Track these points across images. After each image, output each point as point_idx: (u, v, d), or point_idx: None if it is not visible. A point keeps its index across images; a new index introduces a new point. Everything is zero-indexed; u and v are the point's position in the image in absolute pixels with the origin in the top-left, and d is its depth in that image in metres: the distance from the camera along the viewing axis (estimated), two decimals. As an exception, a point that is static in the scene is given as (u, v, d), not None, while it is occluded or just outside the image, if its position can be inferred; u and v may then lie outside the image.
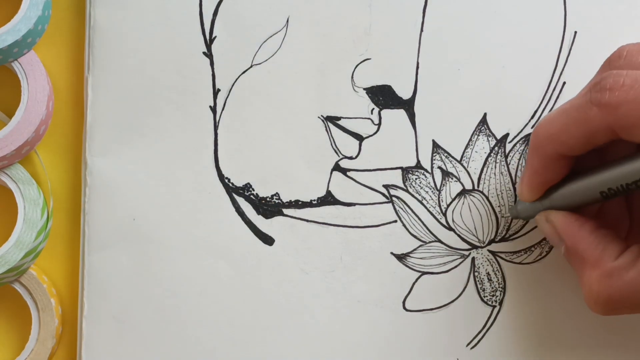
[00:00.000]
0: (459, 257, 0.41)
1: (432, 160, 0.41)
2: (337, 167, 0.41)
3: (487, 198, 0.41)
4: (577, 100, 0.34)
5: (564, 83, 0.41)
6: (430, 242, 0.41)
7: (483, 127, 0.41)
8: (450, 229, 0.41)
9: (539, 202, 0.37)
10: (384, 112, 0.41)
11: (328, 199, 0.41)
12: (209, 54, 0.42)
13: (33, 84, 0.41)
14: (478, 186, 0.41)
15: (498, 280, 0.41)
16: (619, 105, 0.32)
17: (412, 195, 0.41)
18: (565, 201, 0.36)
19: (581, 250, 0.35)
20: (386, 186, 0.41)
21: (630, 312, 0.34)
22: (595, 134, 0.33)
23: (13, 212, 0.41)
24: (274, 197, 0.41)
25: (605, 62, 0.35)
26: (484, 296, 0.41)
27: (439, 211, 0.41)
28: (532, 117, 0.41)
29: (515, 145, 0.41)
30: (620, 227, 0.37)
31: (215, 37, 0.42)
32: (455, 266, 0.41)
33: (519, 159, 0.41)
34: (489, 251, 0.41)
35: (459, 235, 0.41)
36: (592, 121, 0.33)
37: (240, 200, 0.41)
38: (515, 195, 0.41)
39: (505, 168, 0.41)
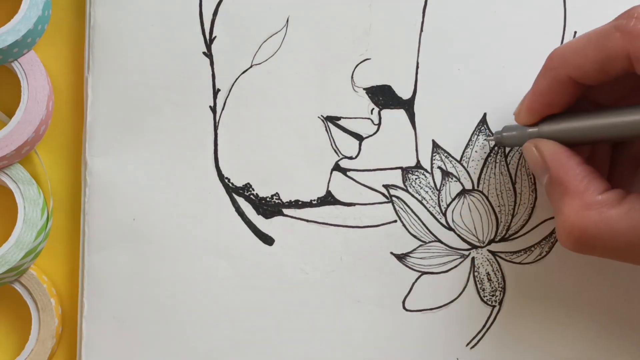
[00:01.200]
0: (459, 257, 0.41)
1: (432, 160, 0.41)
2: (337, 167, 0.41)
3: (487, 198, 0.41)
4: (602, 27, 0.33)
5: (564, 83, 0.41)
6: (430, 242, 0.41)
7: (483, 127, 0.41)
8: (450, 229, 0.41)
9: (527, 130, 0.37)
10: (384, 112, 0.41)
11: (328, 199, 0.41)
12: (209, 54, 0.42)
13: (33, 84, 0.41)
14: (478, 186, 0.41)
15: (498, 280, 0.41)
16: None
17: (412, 195, 0.41)
18: (558, 134, 0.35)
19: (566, 180, 0.34)
20: (386, 186, 0.41)
21: (599, 254, 0.33)
22: (612, 60, 0.33)
23: (13, 212, 0.41)
24: (274, 197, 0.41)
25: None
26: (484, 296, 0.41)
27: (439, 211, 0.41)
28: (532, 117, 0.41)
29: (515, 145, 0.41)
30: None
31: (215, 37, 0.42)
32: (455, 266, 0.41)
33: (519, 159, 0.41)
34: (489, 251, 0.41)
35: (458, 235, 0.41)
36: (611, 47, 0.32)
37: (240, 200, 0.41)
38: (515, 196, 0.41)
39: (505, 168, 0.41)
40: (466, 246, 0.41)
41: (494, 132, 0.40)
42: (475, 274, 0.41)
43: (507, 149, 0.41)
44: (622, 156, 0.38)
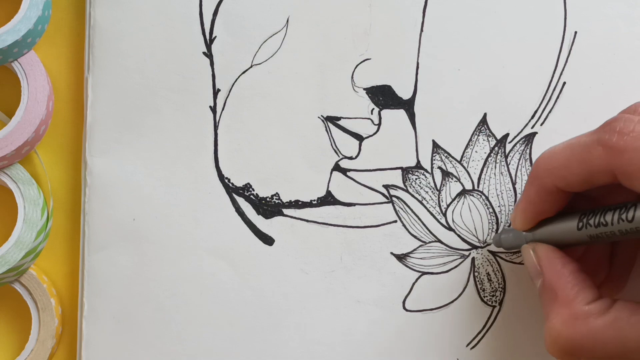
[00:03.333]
0: (459, 257, 0.41)
1: (432, 160, 0.41)
2: (337, 167, 0.41)
3: (487, 198, 0.41)
4: (584, 137, 0.33)
5: (564, 83, 0.41)
6: (430, 242, 0.41)
7: (483, 127, 0.41)
8: (450, 229, 0.41)
9: (524, 234, 0.37)
10: (384, 112, 0.41)
11: (328, 199, 0.41)
12: (209, 54, 0.42)
13: (33, 84, 0.41)
14: (478, 186, 0.41)
15: (498, 280, 0.41)
16: (625, 150, 0.31)
17: (412, 195, 0.41)
18: (553, 237, 0.36)
19: (557, 287, 0.34)
20: (386, 186, 0.41)
21: None
22: (596, 174, 0.33)
23: (13, 212, 0.41)
24: (274, 197, 0.41)
25: (620, 111, 0.34)
26: (484, 296, 0.41)
27: (439, 211, 0.41)
28: (532, 117, 0.41)
29: (515, 145, 0.41)
30: (598, 276, 0.37)
31: (215, 37, 0.42)
32: (455, 266, 0.41)
33: (519, 159, 0.41)
34: (489, 251, 0.41)
35: (459, 236, 0.41)
36: (595, 161, 0.32)
37: (240, 200, 0.41)
38: (515, 196, 0.41)
39: (505, 168, 0.41)
40: (466, 246, 0.41)
41: (492, 238, 0.41)
42: (476, 274, 0.41)
43: (508, 149, 0.41)
44: (620, 252, 0.38)
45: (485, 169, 0.41)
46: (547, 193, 0.35)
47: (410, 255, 0.41)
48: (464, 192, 0.41)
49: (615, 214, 0.33)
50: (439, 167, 0.41)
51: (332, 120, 0.41)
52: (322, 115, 0.41)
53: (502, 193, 0.41)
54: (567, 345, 0.33)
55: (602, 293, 0.34)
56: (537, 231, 0.37)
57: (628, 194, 0.33)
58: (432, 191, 0.41)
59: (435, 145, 0.41)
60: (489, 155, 0.41)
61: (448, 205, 0.41)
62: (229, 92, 0.42)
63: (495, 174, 0.41)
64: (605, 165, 0.32)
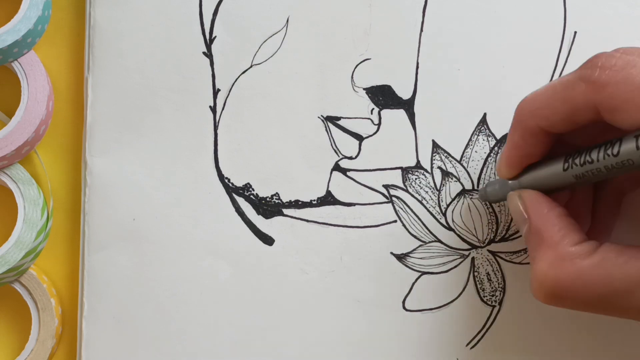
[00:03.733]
0: (459, 257, 0.41)
1: (432, 160, 0.41)
2: (337, 167, 0.41)
3: (487, 198, 0.41)
4: (567, 76, 0.33)
5: (564, 83, 0.41)
6: (430, 242, 0.41)
7: (483, 127, 0.41)
8: (450, 229, 0.41)
9: (510, 183, 0.37)
10: (384, 112, 0.41)
11: (328, 199, 0.41)
12: (209, 54, 0.42)
13: (33, 84, 0.41)
14: (478, 186, 0.41)
15: (498, 280, 0.41)
16: (607, 84, 0.31)
17: (412, 195, 0.41)
18: (538, 182, 0.36)
19: (543, 230, 0.34)
20: (386, 186, 0.41)
21: (571, 306, 0.33)
22: (579, 111, 0.33)
23: (13, 212, 0.41)
24: (274, 197, 0.41)
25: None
26: (484, 296, 0.41)
27: (439, 211, 0.41)
28: (532, 117, 0.41)
29: (515, 145, 0.41)
30: (582, 225, 0.37)
31: (215, 37, 0.42)
32: (455, 266, 0.41)
33: (519, 159, 0.41)
34: (489, 251, 0.41)
35: (458, 235, 0.41)
36: (577, 98, 0.32)
37: (240, 200, 0.41)
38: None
39: (505, 168, 0.41)
40: (466, 246, 0.41)
41: (478, 190, 0.41)
42: (475, 274, 0.41)
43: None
44: (604, 195, 0.38)
45: (485, 169, 0.41)
46: (531, 135, 0.35)
47: (410, 255, 0.41)
48: (463, 192, 0.41)
49: (600, 151, 0.32)
50: (439, 167, 0.41)
51: (332, 120, 0.41)
52: (322, 115, 0.41)
53: (502, 193, 0.41)
54: (553, 287, 0.33)
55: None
56: (523, 178, 0.36)
57: (612, 136, 0.33)
58: (432, 191, 0.41)
59: (435, 145, 0.41)
60: (488, 155, 0.41)
61: (448, 205, 0.41)
62: (229, 92, 0.42)
63: (495, 173, 0.41)
64: (588, 100, 0.32)
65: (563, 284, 0.33)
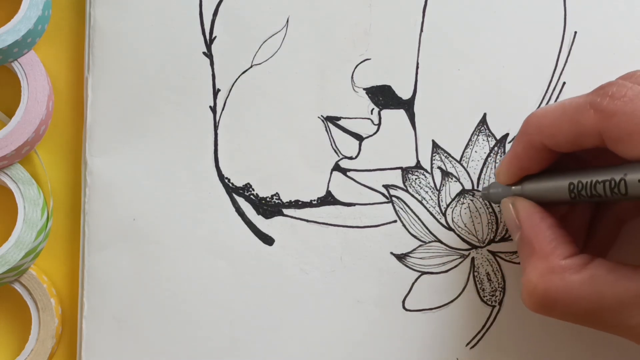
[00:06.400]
0: (459, 257, 0.41)
1: (431, 160, 0.41)
2: (337, 167, 0.41)
3: (487, 198, 0.41)
4: (577, 99, 0.34)
5: (564, 83, 0.41)
6: (430, 242, 0.41)
7: (483, 127, 0.41)
8: (450, 229, 0.41)
9: (511, 188, 0.37)
10: (384, 112, 0.41)
11: (328, 199, 0.41)
12: (209, 54, 0.42)
13: (33, 84, 0.41)
14: (478, 186, 0.41)
15: (498, 280, 0.41)
16: (614, 114, 0.31)
17: (412, 195, 0.41)
18: (536, 193, 0.36)
19: (534, 241, 0.34)
20: (386, 186, 0.41)
21: (560, 317, 0.34)
22: (585, 136, 0.33)
23: (13, 212, 0.41)
24: (274, 197, 0.41)
25: (618, 77, 0.34)
26: (484, 296, 0.41)
27: (439, 211, 0.41)
28: (532, 117, 0.41)
29: (515, 145, 0.41)
30: (576, 240, 0.37)
31: (215, 37, 0.42)
32: (455, 266, 0.41)
33: (519, 159, 0.41)
34: (489, 251, 0.41)
35: (458, 235, 0.41)
36: (584, 122, 0.33)
37: (240, 200, 0.41)
38: (515, 195, 0.41)
39: (505, 168, 0.41)
40: (466, 246, 0.41)
41: (481, 188, 0.41)
42: (475, 274, 0.41)
43: (507, 149, 0.41)
44: (605, 215, 0.38)
45: (485, 169, 0.41)
46: (534, 150, 0.35)
47: (410, 255, 0.41)
48: (463, 192, 0.41)
49: (606, 186, 0.33)
50: (439, 167, 0.41)
51: (332, 120, 0.41)
52: (322, 115, 0.41)
53: (502, 193, 0.41)
54: (543, 298, 0.33)
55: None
56: (524, 186, 0.37)
57: (614, 157, 0.33)
58: (432, 191, 0.41)
59: (435, 145, 0.41)
60: (488, 155, 0.41)
61: (448, 205, 0.41)
62: (229, 92, 0.42)
63: (495, 174, 0.41)
64: (594, 127, 0.32)
65: (552, 296, 0.33)
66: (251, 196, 0.41)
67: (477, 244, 0.41)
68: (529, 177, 0.37)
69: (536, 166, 0.36)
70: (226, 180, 0.41)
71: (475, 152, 0.41)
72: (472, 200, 0.41)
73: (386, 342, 0.41)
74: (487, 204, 0.41)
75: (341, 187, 0.41)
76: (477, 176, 0.41)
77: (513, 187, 0.37)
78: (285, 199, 0.41)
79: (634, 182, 0.31)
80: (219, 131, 0.41)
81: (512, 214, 0.36)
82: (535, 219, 0.35)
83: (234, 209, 0.41)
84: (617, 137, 0.31)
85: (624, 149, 0.31)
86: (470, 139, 0.41)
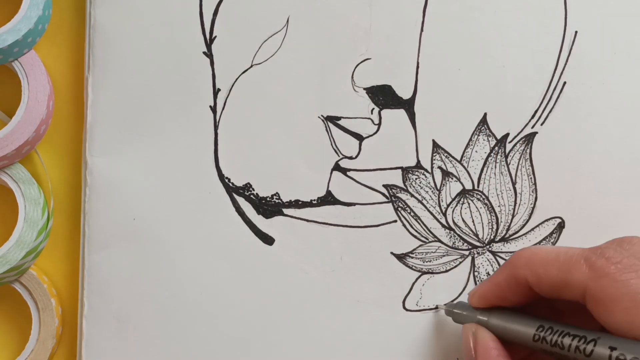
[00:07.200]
0: (459, 257, 0.41)
1: (432, 160, 0.41)
2: (337, 167, 0.41)
3: (487, 198, 0.41)
4: (574, 249, 0.34)
5: (564, 83, 0.41)
6: (430, 242, 0.41)
7: (483, 127, 0.41)
8: (450, 229, 0.41)
9: (476, 315, 0.37)
10: (384, 112, 0.41)
11: (328, 199, 0.41)
12: (209, 54, 0.42)
13: (33, 84, 0.41)
14: (478, 186, 0.41)
15: (498, 280, 0.41)
16: (605, 275, 0.31)
17: (412, 195, 0.41)
18: (501, 327, 0.36)
19: None
20: (386, 186, 0.41)
21: None
22: (569, 287, 0.33)
23: (14, 211, 0.41)
24: (274, 197, 0.41)
25: (617, 238, 0.34)
26: (484, 296, 0.41)
27: (439, 211, 0.41)
28: (532, 117, 0.41)
29: (515, 145, 0.41)
30: None
31: (216, 37, 0.42)
32: (455, 266, 0.41)
33: (519, 159, 0.41)
34: (489, 251, 0.41)
35: (459, 235, 0.41)
36: (574, 274, 0.33)
37: (241, 200, 0.41)
38: (515, 195, 0.41)
39: (505, 168, 0.41)
40: (466, 246, 0.41)
41: (445, 304, 0.40)
42: (475, 273, 0.41)
43: (508, 149, 0.41)
44: None
45: (485, 169, 0.41)
46: (516, 284, 0.35)
47: (410, 255, 0.41)
48: (464, 192, 0.41)
49: (573, 341, 0.33)
50: (439, 167, 0.41)
51: (332, 120, 0.41)
52: (322, 115, 0.41)
53: (502, 193, 0.41)
54: None
55: None
56: (492, 316, 0.36)
57: (582, 319, 0.33)
58: (432, 191, 0.41)
59: (435, 145, 0.41)
60: (489, 155, 0.41)
61: (448, 205, 0.41)
62: (229, 92, 0.42)
63: (495, 173, 0.41)
64: (582, 282, 0.32)
65: None
66: (251, 196, 0.41)
67: (478, 244, 0.41)
68: (498, 308, 0.36)
69: (512, 300, 0.36)
70: (226, 180, 0.41)
71: (476, 151, 0.41)
72: (472, 200, 0.41)
73: (386, 342, 0.41)
74: (488, 203, 0.41)
75: (341, 187, 0.41)
76: (477, 176, 0.41)
77: (479, 315, 0.37)
78: (285, 199, 0.41)
79: (601, 349, 0.31)
80: (219, 131, 0.42)
81: (470, 342, 0.36)
82: (491, 355, 0.35)
83: (234, 209, 0.41)
84: (600, 299, 0.31)
85: (603, 314, 0.31)
86: (470, 139, 0.41)
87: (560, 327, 0.33)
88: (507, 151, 0.41)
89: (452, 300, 0.41)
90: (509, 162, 0.41)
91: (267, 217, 0.41)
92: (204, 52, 0.42)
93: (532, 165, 0.41)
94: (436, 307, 0.40)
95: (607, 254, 0.32)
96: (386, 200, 0.41)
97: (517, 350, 0.36)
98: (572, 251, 0.34)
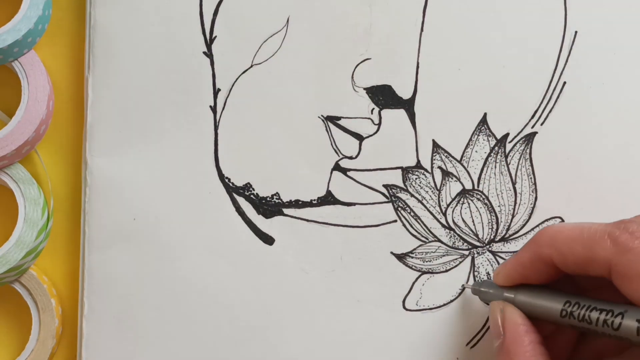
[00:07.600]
0: (459, 256, 0.41)
1: (432, 160, 0.41)
2: (337, 167, 0.41)
3: (487, 198, 0.41)
4: (597, 225, 0.34)
5: (564, 83, 0.41)
6: (430, 242, 0.41)
7: (483, 127, 0.41)
8: (450, 228, 0.41)
9: (503, 292, 0.37)
10: (384, 112, 0.41)
11: (328, 199, 0.41)
12: (209, 54, 0.42)
13: (33, 84, 0.41)
14: (478, 186, 0.41)
15: (498, 280, 0.41)
16: (629, 250, 0.31)
17: (412, 195, 0.41)
18: (528, 304, 0.36)
19: (513, 353, 0.34)
20: (386, 186, 0.41)
21: None
22: (595, 263, 0.33)
23: (14, 211, 0.41)
24: (274, 197, 0.41)
25: None
26: (484, 296, 0.41)
27: (439, 211, 0.41)
28: (532, 117, 0.41)
29: (515, 145, 0.41)
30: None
31: (216, 36, 0.42)
32: (455, 266, 0.41)
33: (519, 159, 0.41)
34: (489, 251, 0.41)
35: (459, 235, 0.41)
36: (598, 250, 0.33)
37: (241, 200, 0.41)
38: (515, 195, 0.41)
39: (505, 168, 0.41)
40: (466, 246, 0.41)
41: (472, 284, 0.40)
42: (476, 273, 0.41)
43: (508, 149, 0.41)
44: (585, 349, 0.38)
45: (485, 169, 0.41)
46: (540, 262, 0.35)
47: (410, 254, 0.41)
48: (464, 192, 0.41)
49: (601, 315, 0.33)
50: (439, 167, 0.41)
51: (332, 120, 0.41)
52: (322, 115, 0.41)
53: (502, 193, 0.41)
54: None
55: None
56: (518, 294, 0.36)
57: (609, 294, 0.33)
58: (432, 191, 0.41)
59: (435, 145, 0.41)
60: (489, 155, 0.41)
61: (448, 205, 0.41)
62: (229, 92, 0.42)
63: (495, 173, 0.41)
64: (606, 258, 0.32)
65: None
66: (251, 196, 0.41)
67: (478, 244, 0.41)
68: (524, 286, 0.36)
69: (536, 278, 0.36)
70: (226, 180, 0.41)
71: (476, 151, 0.41)
72: (472, 200, 0.41)
73: (386, 342, 0.41)
74: (488, 203, 0.41)
75: (341, 187, 0.41)
76: (477, 176, 0.41)
77: (505, 293, 0.37)
78: (285, 199, 0.41)
79: (629, 322, 0.32)
80: (219, 131, 0.42)
81: (499, 319, 0.36)
82: (519, 331, 0.35)
83: (234, 209, 0.41)
84: (625, 274, 0.32)
85: (629, 288, 0.32)
86: (470, 139, 0.41)
87: (587, 302, 0.34)
88: (507, 151, 0.41)
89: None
90: (509, 162, 0.41)
91: (267, 217, 0.41)
92: (204, 52, 0.42)
93: (532, 165, 0.41)
94: (462, 288, 0.40)
95: (631, 229, 0.32)
96: (386, 200, 0.41)
97: (544, 326, 0.36)
98: (595, 227, 0.33)
